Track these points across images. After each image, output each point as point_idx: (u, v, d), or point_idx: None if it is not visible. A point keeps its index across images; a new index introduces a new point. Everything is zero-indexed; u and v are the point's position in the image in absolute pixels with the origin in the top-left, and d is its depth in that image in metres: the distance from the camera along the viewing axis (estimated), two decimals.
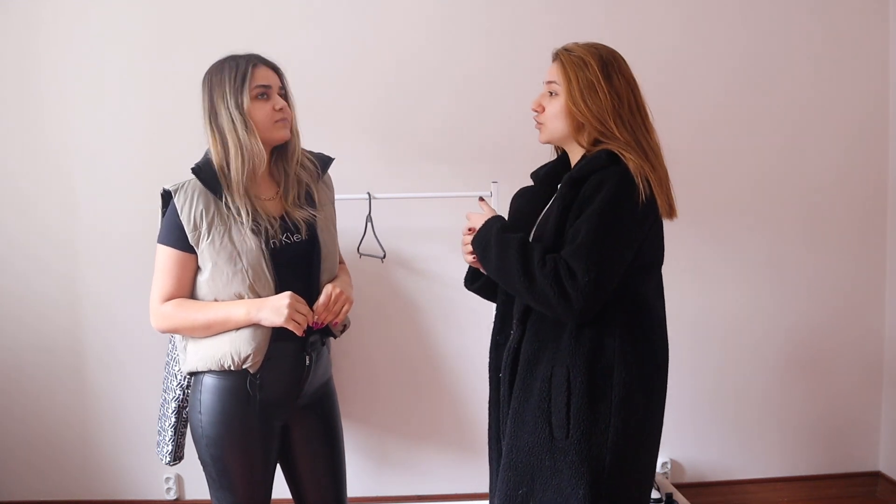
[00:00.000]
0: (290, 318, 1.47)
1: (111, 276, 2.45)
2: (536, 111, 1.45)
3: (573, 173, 1.37)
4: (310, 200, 1.63)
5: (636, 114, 1.37)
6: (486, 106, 2.46)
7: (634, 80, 1.39)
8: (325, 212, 1.67)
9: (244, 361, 1.50)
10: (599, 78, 1.34)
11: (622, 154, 1.32)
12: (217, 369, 1.51)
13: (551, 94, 1.41)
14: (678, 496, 2.36)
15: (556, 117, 1.39)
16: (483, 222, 1.42)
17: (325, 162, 1.73)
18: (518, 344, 1.42)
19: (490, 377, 1.54)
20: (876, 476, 2.66)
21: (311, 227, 1.60)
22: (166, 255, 1.51)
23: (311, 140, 2.37)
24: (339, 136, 2.43)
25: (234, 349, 1.49)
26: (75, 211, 2.45)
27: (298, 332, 1.50)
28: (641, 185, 1.29)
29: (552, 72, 1.41)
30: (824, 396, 2.63)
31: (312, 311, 1.54)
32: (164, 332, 1.56)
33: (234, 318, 1.49)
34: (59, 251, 2.46)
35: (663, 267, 1.45)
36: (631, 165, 1.30)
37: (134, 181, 2.39)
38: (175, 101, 2.34)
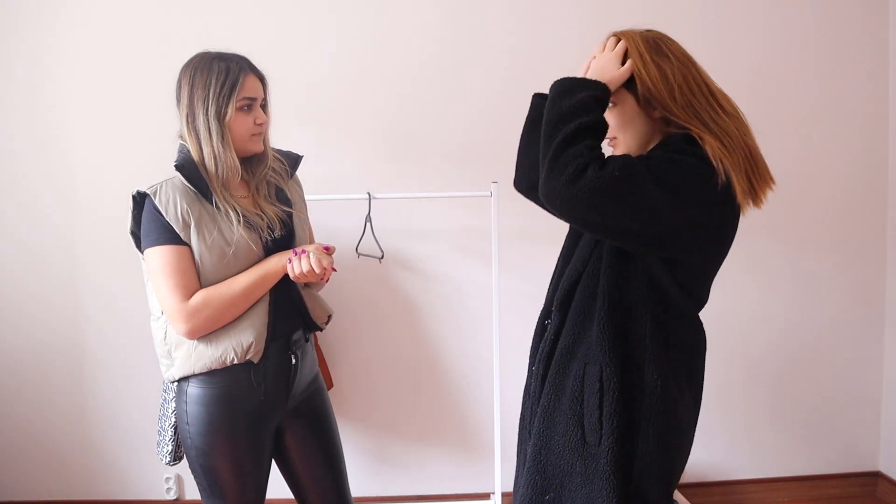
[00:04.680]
0: (318, 260, 1.47)
1: (111, 277, 2.45)
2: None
3: (643, 156, 1.21)
4: (282, 198, 1.62)
5: (696, 92, 1.20)
6: (486, 106, 2.46)
7: (686, 55, 1.24)
8: (298, 209, 1.66)
9: (247, 351, 1.48)
10: (648, 62, 1.21)
11: (700, 137, 1.17)
12: (218, 367, 1.47)
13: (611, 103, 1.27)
14: (678, 496, 2.36)
15: (624, 127, 1.27)
16: (594, 75, 1.21)
17: (294, 160, 1.71)
18: (556, 335, 1.31)
19: (529, 363, 1.43)
20: (876, 476, 2.66)
21: (288, 224, 1.59)
22: (169, 254, 1.43)
23: (310, 140, 2.39)
24: (339, 136, 2.44)
25: (235, 342, 1.47)
26: (76, 213, 2.45)
27: (316, 270, 1.47)
28: (721, 170, 1.13)
29: None
30: (824, 397, 2.63)
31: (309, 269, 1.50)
32: (198, 330, 1.45)
33: (271, 272, 1.49)
34: (59, 252, 2.46)
35: None
36: (709, 150, 1.15)
37: (136, 180, 2.38)
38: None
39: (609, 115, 1.28)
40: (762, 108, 2.50)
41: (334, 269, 1.53)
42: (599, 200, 1.09)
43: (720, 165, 1.14)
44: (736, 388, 2.60)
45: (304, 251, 1.49)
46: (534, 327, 1.44)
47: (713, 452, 2.62)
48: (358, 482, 2.50)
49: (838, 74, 2.51)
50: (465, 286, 2.50)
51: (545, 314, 1.41)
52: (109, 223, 2.42)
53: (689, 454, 1.34)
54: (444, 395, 2.55)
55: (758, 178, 1.20)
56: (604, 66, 1.23)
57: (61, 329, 2.49)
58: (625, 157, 1.14)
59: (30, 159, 2.43)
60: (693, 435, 1.35)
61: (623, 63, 1.24)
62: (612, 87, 1.22)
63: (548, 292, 1.43)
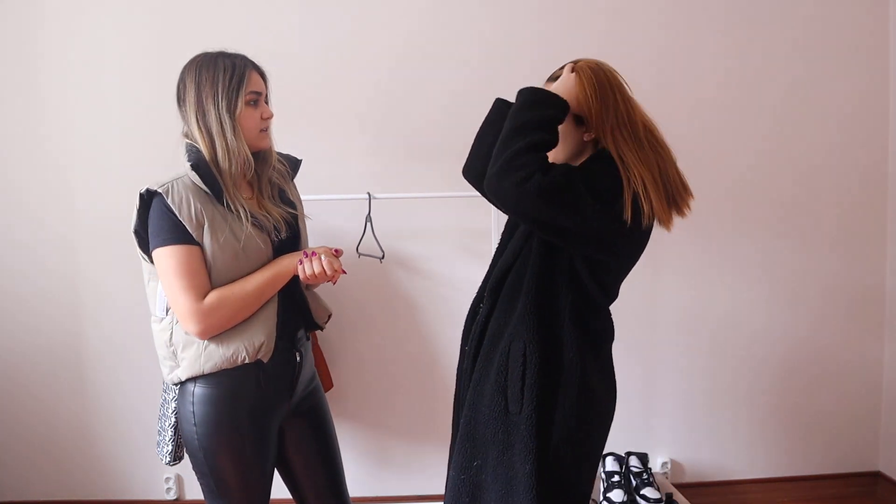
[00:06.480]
0: (329, 261, 1.49)
1: (111, 277, 2.45)
2: None
3: (581, 166, 1.40)
4: (286, 199, 1.64)
5: (623, 125, 1.37)
6: (486, 105, 2.45)
7: (625, 93, 1.40)
8: (298, 210, 1.67)
9: (258, 350, 1.48)
10: (592, 97, 1.36)
11: (621, 155, 1.34)
12: (228, 367, 1.47)
13: None
14: (678, 496, 2.36)
15: (559, 139, 1.39)
16: (559, 92, 1.37)
17: (294, 163, 1.72)
18: (487, 317, 1.46)
19: (461, 344, 1.57)
20: (876, 476, 2.66)
21: (293, 226, 1.60)
22: (181, 254, 1.41)
23: (310, 140, 2.39)
24: (339, 136, 2.44)
25: (247, 342, 1.47)
26: (74, 211, 2.45)
27: (327, 272, 1.49)
28: (635, 186, 1.31)
29: None
30: (824, 396, 2.63)
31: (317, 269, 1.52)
32: (211, 330, 1.44)
33: (282, 272, 1.50)
34: (58, 251, 2.46)
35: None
36: (630, 173, 1.32)
37: (133, 179, 2.38)
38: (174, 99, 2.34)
39: None
40: (761, 108, 2.51)
41: (343, 272, 1.55)
42: (542, 201, 1.25)
43: (635, 186, 1.30)
44: (736, 388, 2.60)
45: (314, 253, 1.50)
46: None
47: (713, 452, 2.62)
48: (357, 482, 2.50)
49: (838, 73, 2.51)
50: (465, 286, 2.49)
51: (479, 299, 1.57)
52: (108, 223, 2.42)
53: (606, 435, 1.48)
54: (444, 394, 2.54)
55: (678, 195, 1.39)
56: (567, 88, 1.39)
57: (61, 329, 2.49)
58: (566, 165, 1.35)
59: (27, 160, 2.43)
60: (610, 418, 1.49)
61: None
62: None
63: (483, 280, 1.59)
